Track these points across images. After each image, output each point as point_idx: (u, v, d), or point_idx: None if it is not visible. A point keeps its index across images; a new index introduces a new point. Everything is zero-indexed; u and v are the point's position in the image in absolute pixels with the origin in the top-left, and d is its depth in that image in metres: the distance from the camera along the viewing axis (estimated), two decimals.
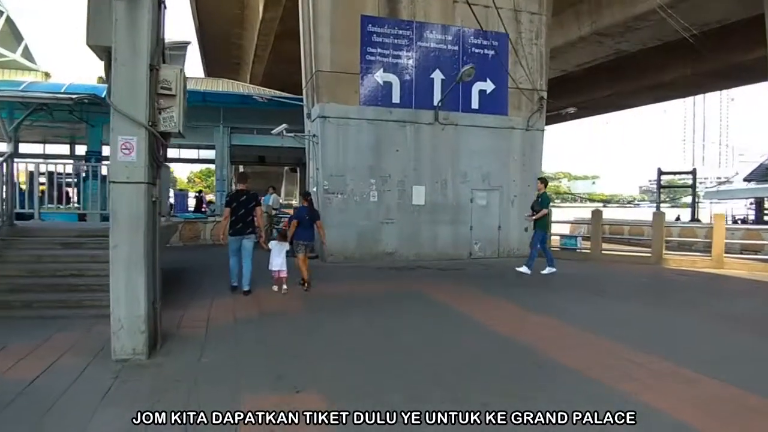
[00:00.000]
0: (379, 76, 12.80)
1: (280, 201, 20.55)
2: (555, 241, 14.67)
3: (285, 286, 8.61)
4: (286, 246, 8.71)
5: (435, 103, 13.14)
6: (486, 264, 12.67)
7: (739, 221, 32.26)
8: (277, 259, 8.55)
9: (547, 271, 11.09)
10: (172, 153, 27.88)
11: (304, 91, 14.16)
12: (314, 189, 13.14)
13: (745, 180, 33.23)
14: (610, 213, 35.53)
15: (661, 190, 31.51)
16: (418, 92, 13.14)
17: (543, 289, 9.40)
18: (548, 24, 14.44)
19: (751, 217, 32.37)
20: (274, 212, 15.78)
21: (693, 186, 32.30)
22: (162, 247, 9.31)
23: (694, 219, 29.16)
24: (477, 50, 13.63)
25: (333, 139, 12.47)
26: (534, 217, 11.26)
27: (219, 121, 18.38)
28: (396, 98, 12.95)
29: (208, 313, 7.07)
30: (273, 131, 13.09)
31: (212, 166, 24.35)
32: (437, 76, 13.28)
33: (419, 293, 8.78)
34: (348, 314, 7.19)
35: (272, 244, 8.67)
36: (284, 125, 12.76)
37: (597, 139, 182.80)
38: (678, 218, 32.59)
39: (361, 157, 12.66)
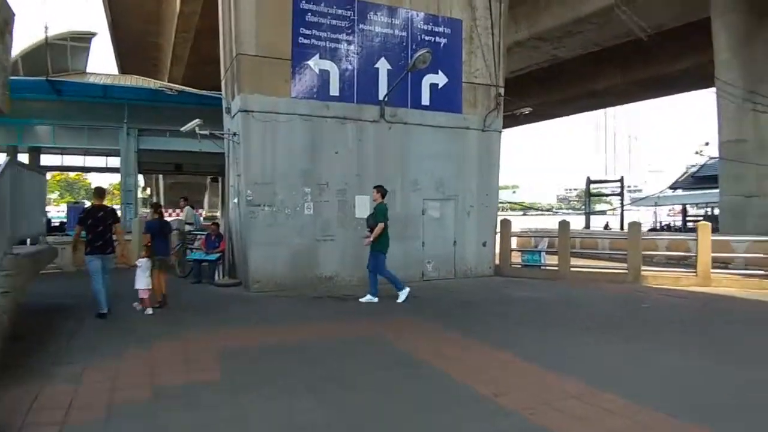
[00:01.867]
0: (315, 63, 10.31)
1: (201, 214, 17.34)
2: (516, 257, 12.67)
3: (150, 310, 7.65)
4: (149, 263, 7.93)
5: (381, 98, 10.81)
6: (444, 287, 10.42)
7: (665, 228, 32.03)
8: (143, 277, 7.69)
9: (403, 297, 8.87)
10: (75, 161, 23.96)
11: (222, 82, 11.42)
12: (235, 200, 10.45)
13: (670, 188, 33.19)
14: (532, 221, 34.67)
15: (577, 198, 30.80)
16: (361, 84, 10.76)
17: (534, 326, 7.20)
18: (505, 12, 12.49)
19: (678, 224, 32.30)
20: (188, 228, 12.86)
21: (621, 194, 31.77)
22: (30, 278, 6.54)
23: (656, 229, 28.43)
24: (428, 37, 11.43)
25: (258, 139, 9.84)
26: (371, 238, 8.92)
27: (123, 120, 15.14)
28: (335, 90, 10.50)
29: (73, 393, 4.34)
30: (183, 128, 10.27)
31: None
32: (383, 65, 10.96)
33: (382, 340, 6.36)
34: (287, 388, 4.57)
35: (139, 262, 7.79)
36: (198, 120, 9.96)
37: (519, 149, 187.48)
38: (606, 226, 31.98)
39: (293, 160, 10.10)
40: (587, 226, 30.49)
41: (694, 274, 10.60)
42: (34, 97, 14.34)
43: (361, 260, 10.53)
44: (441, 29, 11.55)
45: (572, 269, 11.65)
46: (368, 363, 5.49)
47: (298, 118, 10.11)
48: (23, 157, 20.33)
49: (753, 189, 16.62)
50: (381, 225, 8.87)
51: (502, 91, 12.30)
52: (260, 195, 9.80)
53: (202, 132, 9.94)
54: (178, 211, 24.52)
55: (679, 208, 36.86)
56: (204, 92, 11.05)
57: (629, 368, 5.29)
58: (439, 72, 11.53)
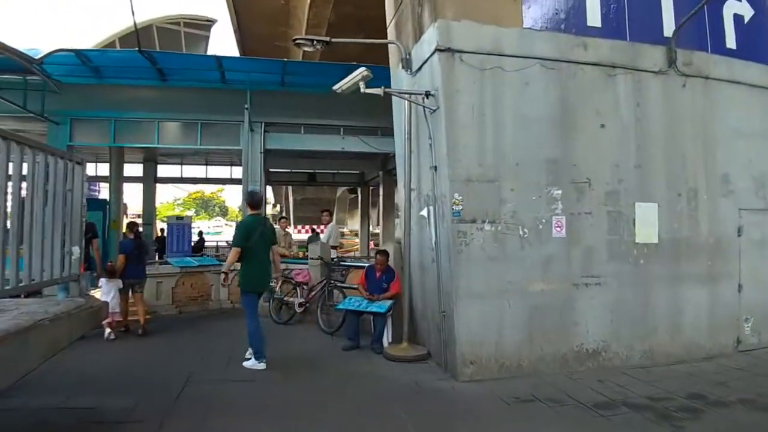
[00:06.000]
0: None
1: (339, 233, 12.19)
2: None
3: (112, 334, 6.32)
4: (118, 283, 6.59)
5: (668, 34, 5.76)
6: None
7: None
8: (106, 298, 6.09)
9: (251, 365, 5.23)
10: (198, 171, 20.39)
11: (392, 21, 6.73)
12: (423, 212, 5.72)
13: None
14: None
15: None
16: (634, 9, 5.74)
17: None
18: None
19: None
20: (334, 256, 8.26)
21: None
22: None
23: None
24: None
25: (471, 100, 5.06)
26: (224, 268, 5.55)
27: (244, 110, 10.80)
28: (594, 18, 5.55)
29: None
30: (338, 85, 5.63)
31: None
32: None
33: None
34: None
35: (102, 282, 6.59)
36: (363, 69, 5.35)
37: None
38: None
39: (532, 140, 5.21)
40: None
41: None
42: (132, 83, 10.54)
43: (643, 317, 5.47)
44: None
45: None
46: None
47: (538, 65, 5.24)
48: (136, 168, 17.06)
49: None
50: (234, 251, 5.31)
51: None
52: (475, 202, 5.01)
53: (371, 90, 5.32)
54: (315, 226, 19.15)
55: None
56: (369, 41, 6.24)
57: None
58: None
